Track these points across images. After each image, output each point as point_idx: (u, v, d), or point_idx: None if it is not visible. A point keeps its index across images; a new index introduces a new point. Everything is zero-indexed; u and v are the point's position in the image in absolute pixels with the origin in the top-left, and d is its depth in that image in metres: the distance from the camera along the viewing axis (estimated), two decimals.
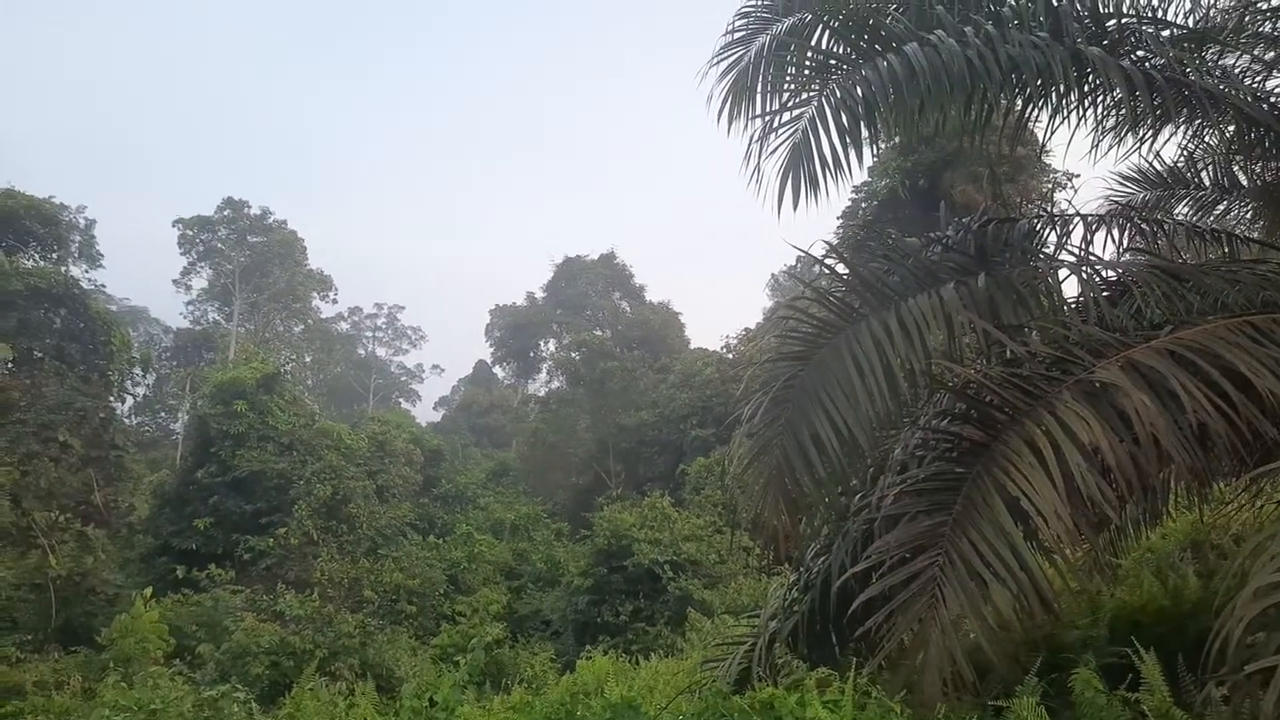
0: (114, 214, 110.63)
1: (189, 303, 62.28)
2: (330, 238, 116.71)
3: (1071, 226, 6.13)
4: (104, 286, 51.25)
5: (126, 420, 39.08)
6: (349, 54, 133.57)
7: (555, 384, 54.37)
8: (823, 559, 6.50)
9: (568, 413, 46.97)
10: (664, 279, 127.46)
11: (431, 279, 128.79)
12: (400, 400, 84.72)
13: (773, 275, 66.41)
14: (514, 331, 65.67)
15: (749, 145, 5.98)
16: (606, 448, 44.11)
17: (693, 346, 58.64)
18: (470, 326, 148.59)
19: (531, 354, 65.81)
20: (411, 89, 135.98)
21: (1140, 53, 5.55)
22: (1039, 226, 6.16)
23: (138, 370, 31.68)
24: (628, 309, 65.87)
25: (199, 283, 62.10)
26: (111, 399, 27.84)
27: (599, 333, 61.56)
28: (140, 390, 40.52)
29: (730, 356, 42.55)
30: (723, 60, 6.08)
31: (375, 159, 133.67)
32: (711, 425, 38.06)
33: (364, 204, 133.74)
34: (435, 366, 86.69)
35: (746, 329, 43.47)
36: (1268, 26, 6.10)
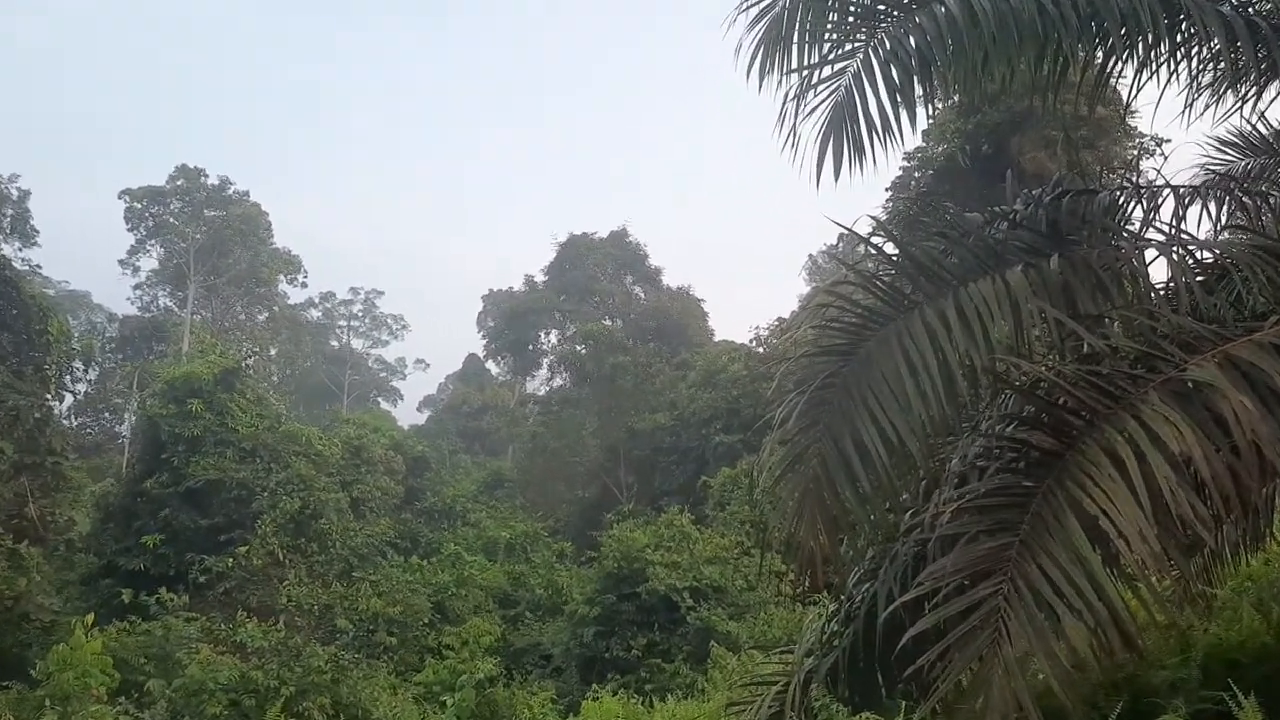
0: (55, 191, 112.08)
1: (137, 287, 62.78)
2: (306, 219, 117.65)
3: (1160, 200, 6.08)
4: (40, 268, 51.85)
5: (65, 422, 39.39)
6: (320, 29, 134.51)
7: (557, 381, 54.66)
8: (867, 586, 6.49)
9: (572, 415, 47.15)
10: (684, 262, 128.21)
11: (419, 265, 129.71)
12: (379, 399, 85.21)
13: (810, 257, 66.27)
14: (510, 321, 65.89)
15: (783, 105, 5.97)
16: (617, 456, 44.34)
17: (717, 339, 58.89)
18: (460, 316, 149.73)
19: (530, 347, 66.05)
20: (402, 58, 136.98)
21: None
22: (1122, 199, 6.11)
23: (78, 364, 31.99)
24: (641, 295, 65.95)
25: (148, 263, 62.60)
26: (48, 397, 28.03)
27: (608, 322, 61.63)
28: (81, 387, 40.85)
29: (761, 350, 42.55)
30: (752, 5, 6.06)
31: (358, 135, 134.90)
32: (738, 430, 38.10)
33: (344, 184, 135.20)
34: (420, 361, 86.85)
35: (779, 319, 43.51)
36: None
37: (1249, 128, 7.14)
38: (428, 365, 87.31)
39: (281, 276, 66.05)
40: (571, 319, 62.35)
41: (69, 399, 36.61)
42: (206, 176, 63.13)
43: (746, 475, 29.87)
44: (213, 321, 61.54)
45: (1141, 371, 4.77)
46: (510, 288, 77.57)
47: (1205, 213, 6.19)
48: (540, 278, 67.68)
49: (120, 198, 62.54)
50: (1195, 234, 5.89)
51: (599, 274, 65.11)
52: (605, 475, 44.22)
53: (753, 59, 5.90)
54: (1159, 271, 5.52)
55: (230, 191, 63.88)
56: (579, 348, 50.31)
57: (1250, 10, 5.43)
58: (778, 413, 5.41)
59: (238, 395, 31.85)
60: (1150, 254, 5.58)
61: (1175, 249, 5.45)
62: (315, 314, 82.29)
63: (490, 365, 75.05)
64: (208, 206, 63.05)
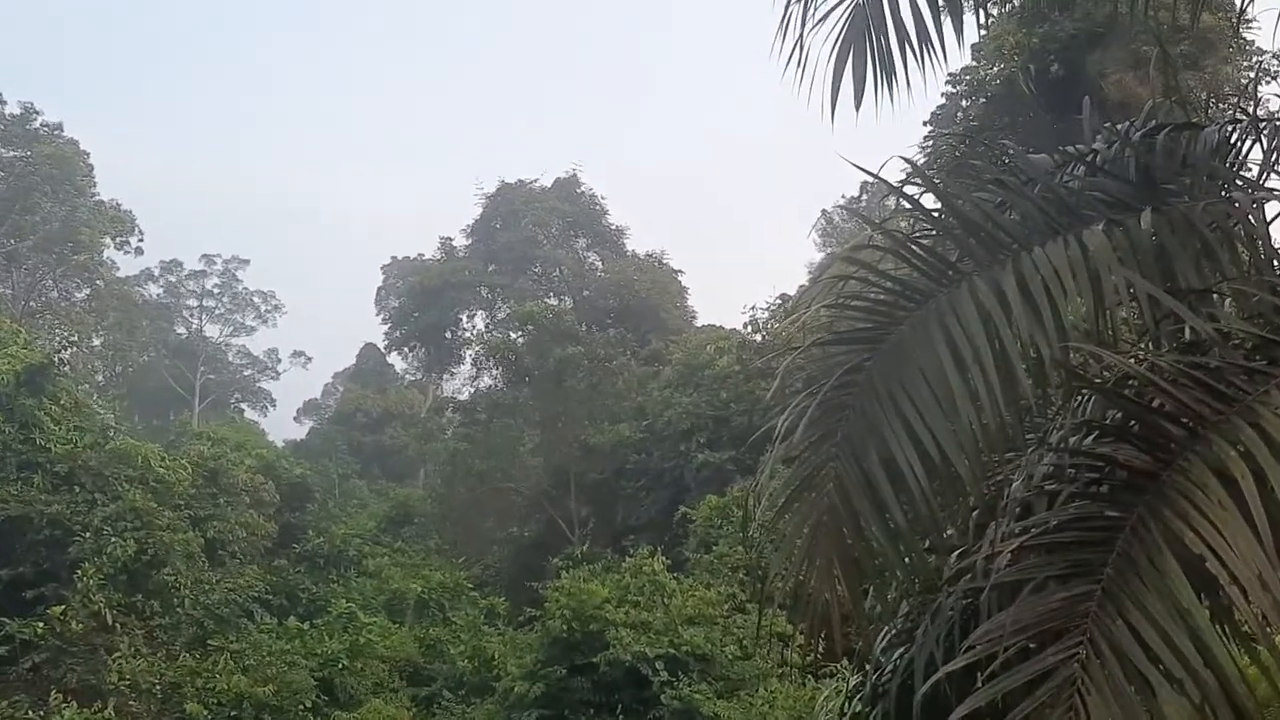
0: None
1: None
2: (143, 165, 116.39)
3: None
4: None
5: None
6: None
7: (485, 381, 54.35)
8: (901, 652, 6.52)
9: (505, 426, 46.94)
10: (655, 222, 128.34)
11: (298, 226, 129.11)
12: (243, 406, 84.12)
13: (824, 214, 66.63)
14: (421, 299, 65.52)
15: (786, 8, 5.97)
16: (565, 480, 44.19)
17: (700, 324, 58.98)
18: (354, 293, 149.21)
19: (448, 334, 65.70)
20: None
21: None
22: (1235, 136, 6.17)
23: None
24: (599, 265, 65.80)
25: None
26: None
27: (553, 301, 61.36)
28: None
29: (758, 339, 42.64)
30: None
31: (218, 57, 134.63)
32: (728, 445, 38.21)
33: (198, 124, 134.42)
34: (298, 355, 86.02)
35: (782, 296, 43.65)
36: None
37: None
38: (309, 360, 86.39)
39: (108, 239, 64.86)
40: (504, 296, 62.18)
41: None
42: (3, 103, 62.02)
43: (739, 505, 29.97)
44: (12, 301, 60.53)
45: (1262, 364, 4.82)
46: (420, 255, 77.17)
47: None
48: (461, 241, 67.40)
49: None
50: None
51: (540, 236, 64.98)
52: (550, 506, 44.16)
53: None
54: None
55: (37, 125, 62.78)
56: (514, 335, 50.10)
57: None
58: (781, 421, 5.41)
59: (48, 401, 31.40)
60: (1274, 208, 5.66)
61: None
62: (155, 290, 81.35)
63: (394, 359, 74.66)
64: (6, 144, 61.97)
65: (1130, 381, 5.17)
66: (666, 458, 40.98)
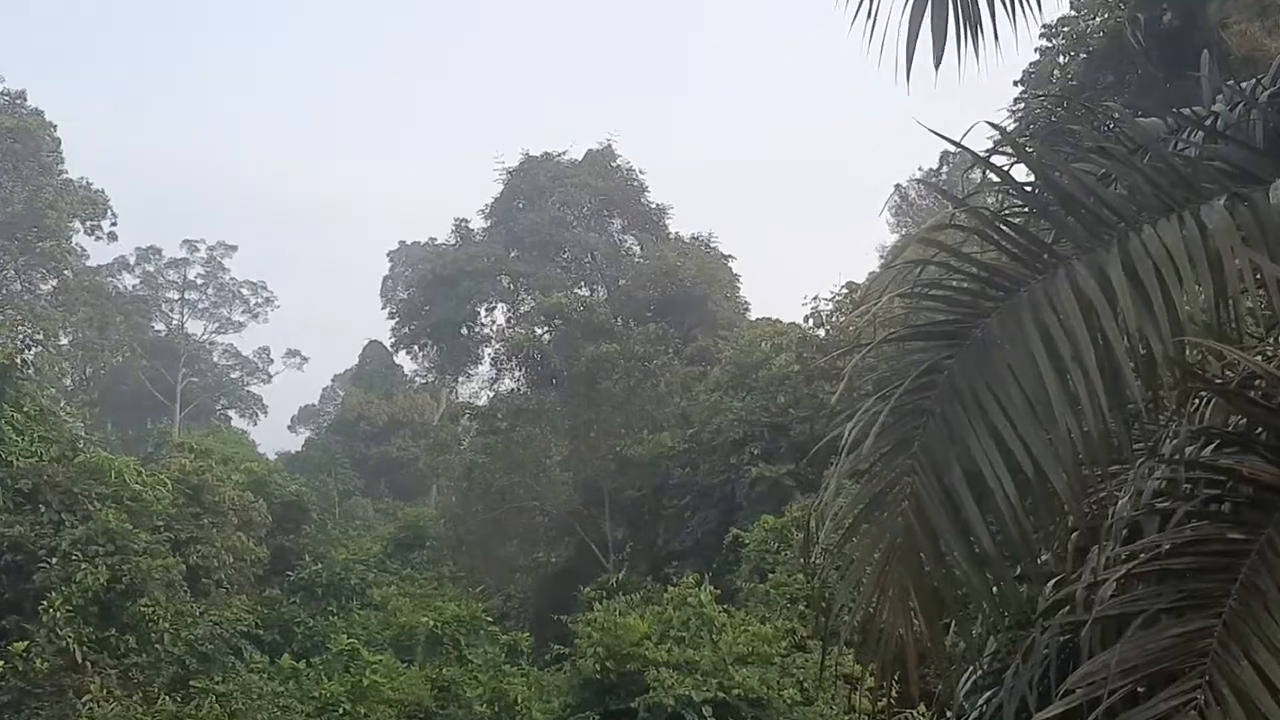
0: None
1: None
2: (119, 140, 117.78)
3: None
4: None
5: None
6: None
7: (507, 384, 54.64)
8: (988, 696, 6.50)
9: (529, 436, 47.06)
10: (702, 202, 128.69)
11: (295, 208, 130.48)
12: (230, 413, 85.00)
13: (898, 190, 66.64)
14: (432, 290, 65.81)
15: None
16: (599, 497, 44.30)
17: (754, 317, 58.83)
18: (357, 283, 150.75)
19: (464, 330, 65.94)
20: None
21: None
22: None
23: None
24: (637, 249, 65.90)
25: None
26: None
27: (585, 291, 61.49)
28: None
29: (822, 334, 42.56)
30: None
31: (207, 23, 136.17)
32: (786, 456, 38.19)
33: (184, 95, 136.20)
34: (293, 354, 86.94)
35: (849, 285, 43.49)
36: None
37: None
38: (305, 360, 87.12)
39: (77, 223, 65.64)
40: (528, 286, 62.44)
41: None
42: None
43: (799, 526, 29.93)
44: None
45: None
46: (433, 239, 77.63)
47: None
48: (479, 224, 67.72)
49: None
50: None
51: (570, 216, 65.19)
52: (581, 528, 44.26)
53: None
54: None
55: None
56: (539, 331, 50.25)
57: None
58: (848, 429, 5.41)
59: (9, 408, 31.74)
60: None
61: None
62: (130, 281, 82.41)
63: (402, 359, 75.26)
64: None
65: (1256, 382, 5.13)
66: (715, 472, 40.95)
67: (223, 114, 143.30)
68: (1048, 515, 5.25)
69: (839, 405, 5.77)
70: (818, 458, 28.29)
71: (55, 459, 31.74)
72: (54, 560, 29.32)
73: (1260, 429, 4.98)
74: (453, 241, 69.24)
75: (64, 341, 67.99)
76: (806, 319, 45.25)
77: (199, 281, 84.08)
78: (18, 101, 63.88)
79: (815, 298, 44.75)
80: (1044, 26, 30.90)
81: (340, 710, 29.38)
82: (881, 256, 66.98)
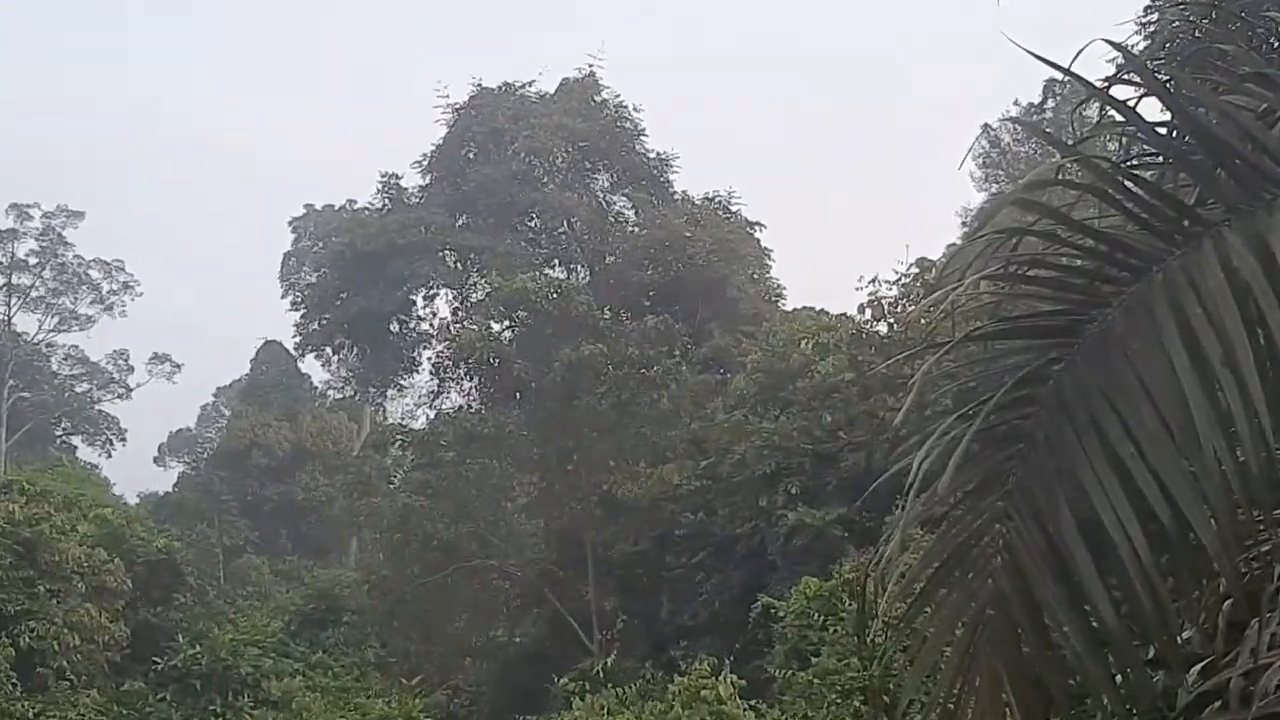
0: None
1: None
2: None
3: None
4: None
5: None
6: None
7: (454, 399, 54.46)
8: None
9: (484, 471, 46.82)
10: (719, 153, 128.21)
11: (162, 167, 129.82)
12: (75, 440, 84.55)
13: (985, 132, 66.53)
14: (351, 271, 65.57)
15: None
16: (579, 553, 44.43)
17: (790, 308, 58.56)
18: (248, 264, 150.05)
19: (394, 325, 65.82)
20: None
21: None
22: None
23: None
24: (630, 214, 65.85)
25: None
26: None
27: (559, 273, 61.26)
28: None
29: (883, 329, 42.42)
30: None
31: None
32: (836, 497, 38.04)
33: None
34: (160, 359, 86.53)
35: (921, 263, 43.43)
36: None
37: None
38: (178, 368, 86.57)
39: None
40: (482, 266, 62.37)
41: None
42: None
43: (853, 593, 29.90)
44: None
45: None
46: (352, 203, 77.32)
47: None
48: (415, 180, 67.78)
49: None
50: None
51: (538, 169, 65.16)
52: (555, 595, 44.21)
53: None
54: None
55: None
56: (498, 327, 50.20)
57: None
58: (918, 459, 5.40)
59: None
60: None
61: None
62: None
63: (311, 366, 75.08)
64: None
65: None
66: (738, 518, 40.94)
67: (67, 42, 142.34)
68: (1191, 578, 5.24)
69: (905, 426, 5.76)
70: (877, 499, 28.24)
71: None
72: None
73: None
74: (379, 205, 69.17)
75: None
76: (862, 309, 45.21)
77: (31, 261, 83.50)
78: None
79: (874, 280, 44.59)
80: None
81: None
82: (964, 223, 67.10)
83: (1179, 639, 5.82)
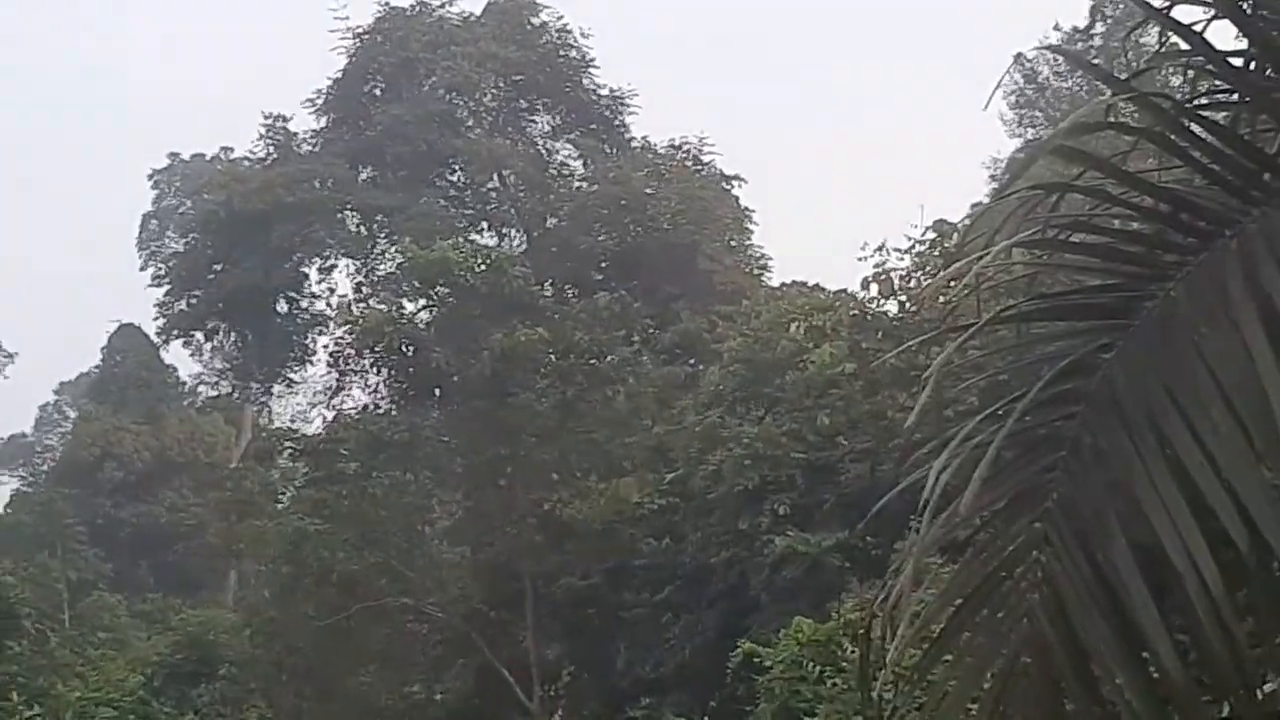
0: None
1: None
2: None
3: None
4: None
5: None
6: None
7: (356, 397, 54.24)
8: None
9: (395, 487, 46.56)
10: (689, 100, 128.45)
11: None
12: None
13: (1018, 62, 66.67)
14: (228, 237, 65.28)
15: None
16: (515, 589, 44.31)
17: (776, 283, 58.56)
18: (98, 228, 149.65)
19: (280, 305, 65.59)
20: None
21: None
22: None
23: None
24: (577, 165, 65.73)
25: None
26: None
27: (488, 239, 61.07)
28: None
29: (891, 308, 42.48)
30: None
31: None
32: (835, 517, 38.01)
33: None
34: None
35: (939, 226, 43.52)
36: None
37: None
38: (10, 358, 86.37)
39: None
40: (391, 230, 62.38)
41: None
42: None
43: (857, 638, 29.92)
44: None
45: None
46: (227, 151, 76.88)
47: None
48: (307, 124, 67.70)
49: None
50: None
51: (463, 111, 65.10)
52: (486, 642, 44.21)
53: None
54: None
55: None
56: (412, 307, 50.11)
57: None
58: (935, 470, 5.42)
59: None
60: None
61: None
62: None
63: (177, 355, 74.77)
64: None
65: None
66: (713, 544, 40.98)
67: None
68: (1274, 617, 5.27)
69: (920, 430, 5.78)
70: (886, 520, 28.30)
71: None
72: None
73: None
74: (262, 154, 69.02)
75: None
76: (867, 284, 45.16)
77: None
78: None
79: (881, 249, 44.51)
80: None
81: None
82: (992, 177, 67.33)
83: (1258, 693, 5.85)
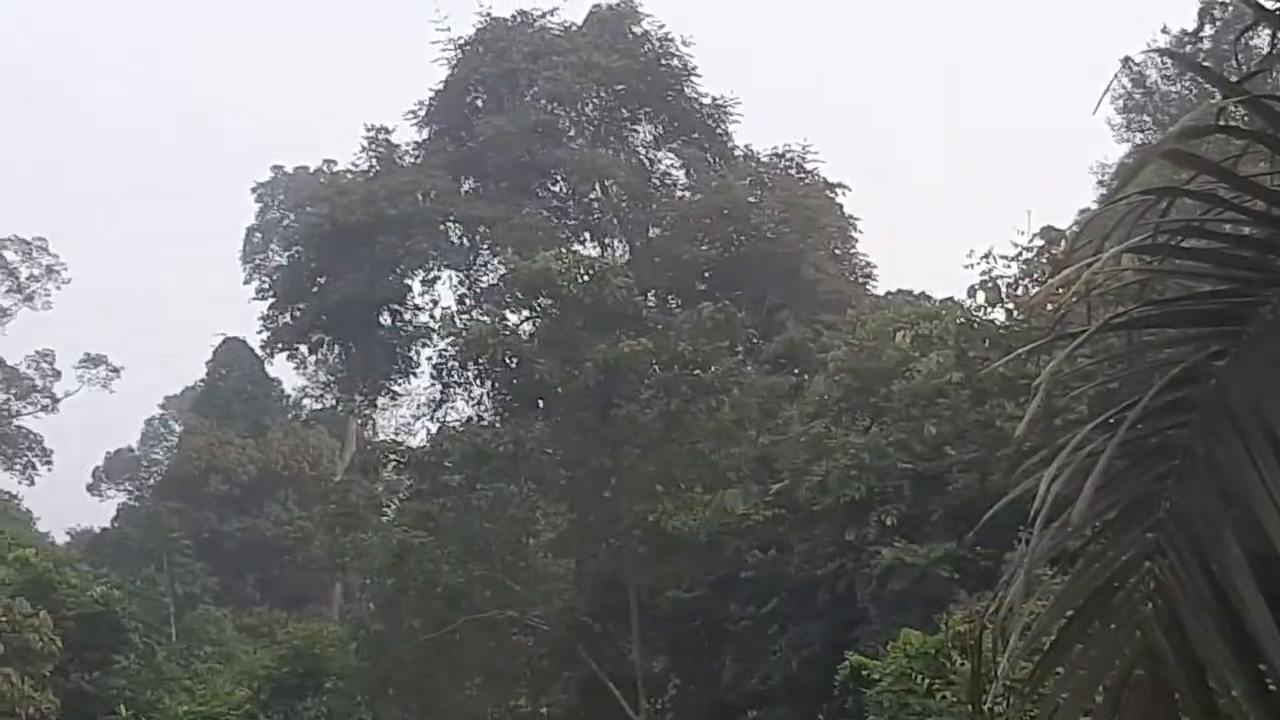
0: None
1: None
2: None
3: None
4: None
5: None
6: None
7: (461, 409, 54.38)
8: None
9: (499, 497, 46.62)
10: (792, 109, 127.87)
11: (98, 122, 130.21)
12: None
13: (1127, 66, 66.20)
14: (331, 251, 65.41)
15: None
16: (620, 602, 44.55)
17: (883, 291, 58.49)
18: (203, 244, 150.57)
19: (384, 318, 65.66)
20: None
21: None
22: None
23: None
24: (680, 175, 65.62)
25: None
26: None
27: (590, 249, 60.99)
28: None
29: (998, 317, 42.26)
30: None
31: None
32: (943, 529, 37.84)
33: None
34: (94, 361, 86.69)
35: (1047, 233, 43.28)
36: None
37: None
38: (116, 372, 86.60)
39: None
40: (494, 242, 62.42)
41: None
42: None
43: (967, 650, 29.82)
44: None
45: None
46: (330, 164, 77.14)
47: None
48: (409, 135, 67.82)
49: None
50: None
51: (565, 121, 65.13)
52: (591, 655, 44.19)
53: None
54: None
55: None
56: (515, 319, 50.13)
57: None
58: (1045, 480, 5.38)
59: None
60: None
61: None
62: None
63: (282, 369, 75.04)
64: None
65: None
66: (820, 556, 40.86)
67: None
68: None
69: (1030, 439, 5.74)
70: (995, 531, 28.13)
71: None
72: None
73: None
74: (365, 166, 69.19)
75: None
76: (974, 292, 44.94)
77: None
78: None
79: (988, 256, 44.28)
80: None
81: None
82: (1100, 183, 66.76)
83: None
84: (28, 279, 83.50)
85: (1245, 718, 5.12)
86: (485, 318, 53.61)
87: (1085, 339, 5.69)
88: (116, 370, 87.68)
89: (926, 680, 31.72)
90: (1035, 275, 41.68)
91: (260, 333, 71.19)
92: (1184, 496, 5.11)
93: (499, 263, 59.58)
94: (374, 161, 68.12)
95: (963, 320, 43.03)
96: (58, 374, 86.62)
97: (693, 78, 65.56)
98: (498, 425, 49.20)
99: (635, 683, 43.01)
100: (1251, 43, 7.59)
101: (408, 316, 66.26)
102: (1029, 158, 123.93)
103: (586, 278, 47.79)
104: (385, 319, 65.99)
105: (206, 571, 64.13)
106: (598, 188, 65.01)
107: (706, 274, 58.29)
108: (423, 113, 66.74)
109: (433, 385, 58.02)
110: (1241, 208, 5.47)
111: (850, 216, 63.79)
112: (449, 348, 53.14)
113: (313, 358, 70.22)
